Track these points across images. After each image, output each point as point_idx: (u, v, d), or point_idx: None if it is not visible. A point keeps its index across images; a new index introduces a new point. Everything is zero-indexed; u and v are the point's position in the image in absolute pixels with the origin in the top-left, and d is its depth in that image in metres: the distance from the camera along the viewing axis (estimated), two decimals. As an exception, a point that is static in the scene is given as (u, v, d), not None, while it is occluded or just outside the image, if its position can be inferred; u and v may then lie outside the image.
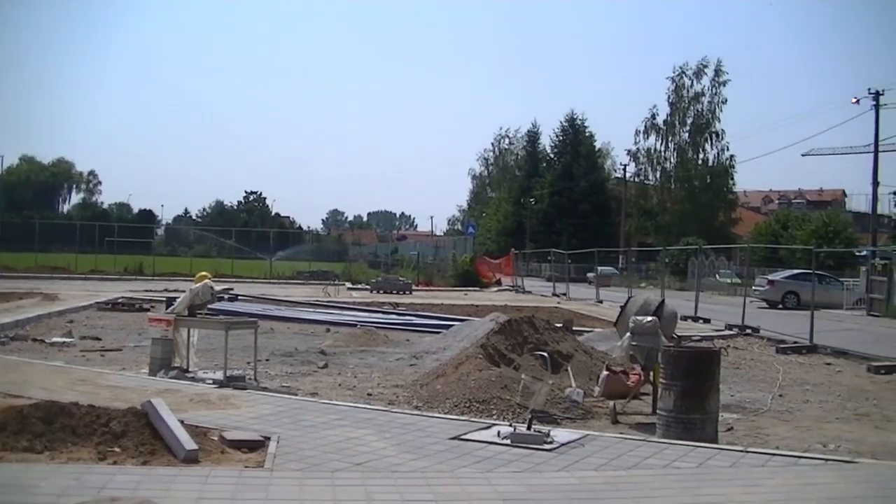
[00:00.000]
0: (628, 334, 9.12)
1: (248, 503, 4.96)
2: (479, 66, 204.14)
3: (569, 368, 10.54)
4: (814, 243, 40.99)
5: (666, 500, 5.45)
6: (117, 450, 5.76)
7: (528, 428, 6.93)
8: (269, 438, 6.44)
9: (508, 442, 6.70)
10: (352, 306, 23.66)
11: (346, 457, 6.09)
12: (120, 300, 21.62)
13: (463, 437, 6.92)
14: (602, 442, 7.03)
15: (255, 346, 10.56)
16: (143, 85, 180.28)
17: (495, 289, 40.47)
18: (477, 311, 20.61)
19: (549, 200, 73.87)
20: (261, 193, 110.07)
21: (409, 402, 9.24)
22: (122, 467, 5.46)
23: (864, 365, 14.02)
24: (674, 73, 70.00)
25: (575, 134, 77.34)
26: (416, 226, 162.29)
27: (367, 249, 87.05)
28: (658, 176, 71.70)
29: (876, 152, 42.29)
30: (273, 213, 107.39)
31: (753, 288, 32.27)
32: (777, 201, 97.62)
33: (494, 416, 8.37)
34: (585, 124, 78.27)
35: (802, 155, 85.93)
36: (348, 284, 37.46)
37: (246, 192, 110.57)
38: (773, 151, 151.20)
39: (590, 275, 40.71)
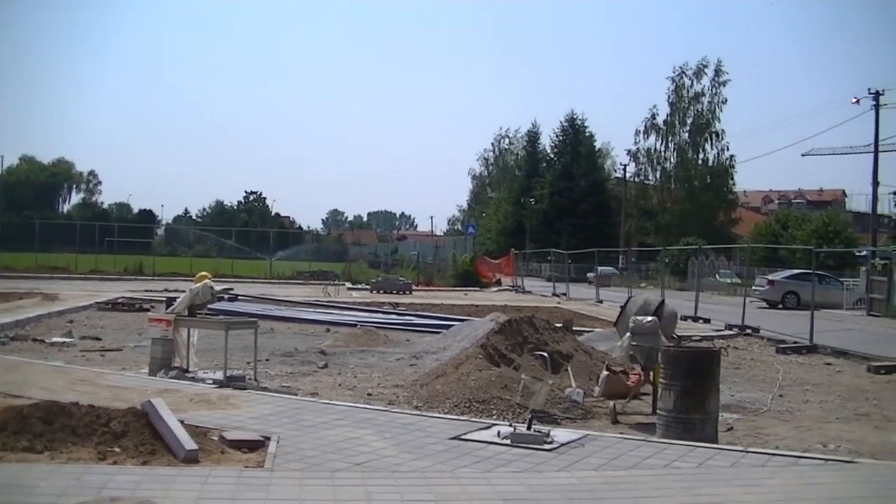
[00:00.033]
0: (628, 334, 9.12)
1: (248, 503, 4.96)
2: (479, 66, 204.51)
3: (569, 368, 10.54)
4: (814, 243, 40.98)
5: (666, 500, 5.45)
6: (117, 450, 5.76)
7: (528, 428, 6.93)
8: (269, 438, 6.44)
9: (508, 442, 6.70)
10: (352, 306, 23.66)
11: (346, 457, 6.09)
12: (120, 300, 21.62)
13: (463, 437, 6.92)
14: (602, 442, 7.03)
15: (255, 346, 10.57)
16: (143, 85, 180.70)
17: (495, 289, 40.45)
18: (477, 311, 20.60)
19: (549, 200, 73.88)
20: (261, 193, 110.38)
21: (409, 402, 9.24)
22: (122, 467, 5.47)
23: (864, 365, 14.03)
24: (674, 73, 70.19)
25: (575, 134, 77.34)
26: (416, 226, 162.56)
27: (367, 249, 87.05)
28: (658, 176, 71.77)
29: (876, 152, 42.32)
30: (273, 213, 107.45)
31: (753, 288, 32.26)
32: (777, 201, 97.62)
33: (494, 416, 8.37)
34: (585, 124, 78.48)
35: (802, 155, 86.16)
36: (348, 284, 37.46)
37: (246, 192, 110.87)
38: (773, 151, 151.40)
39: (590, 275, 40.72)
